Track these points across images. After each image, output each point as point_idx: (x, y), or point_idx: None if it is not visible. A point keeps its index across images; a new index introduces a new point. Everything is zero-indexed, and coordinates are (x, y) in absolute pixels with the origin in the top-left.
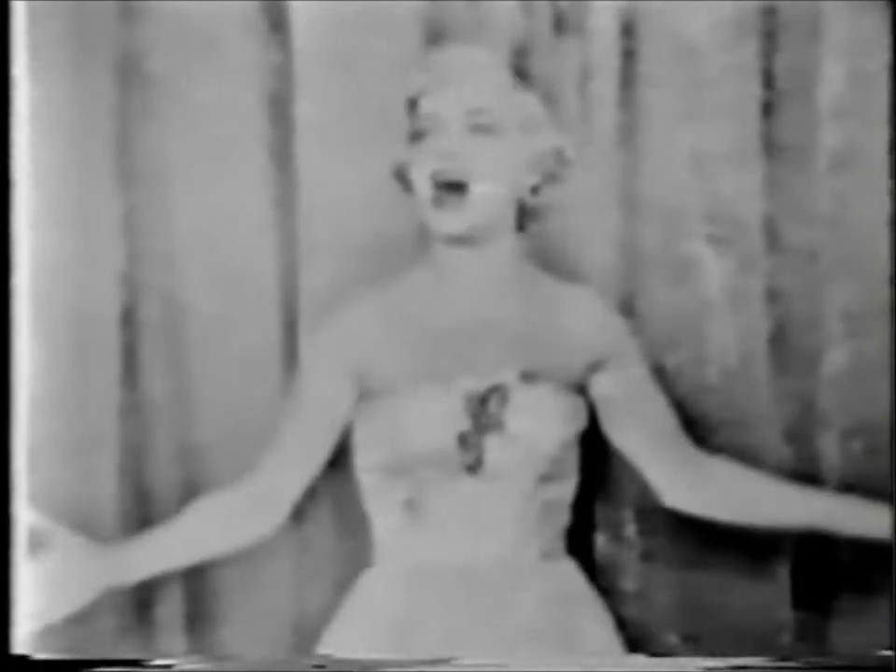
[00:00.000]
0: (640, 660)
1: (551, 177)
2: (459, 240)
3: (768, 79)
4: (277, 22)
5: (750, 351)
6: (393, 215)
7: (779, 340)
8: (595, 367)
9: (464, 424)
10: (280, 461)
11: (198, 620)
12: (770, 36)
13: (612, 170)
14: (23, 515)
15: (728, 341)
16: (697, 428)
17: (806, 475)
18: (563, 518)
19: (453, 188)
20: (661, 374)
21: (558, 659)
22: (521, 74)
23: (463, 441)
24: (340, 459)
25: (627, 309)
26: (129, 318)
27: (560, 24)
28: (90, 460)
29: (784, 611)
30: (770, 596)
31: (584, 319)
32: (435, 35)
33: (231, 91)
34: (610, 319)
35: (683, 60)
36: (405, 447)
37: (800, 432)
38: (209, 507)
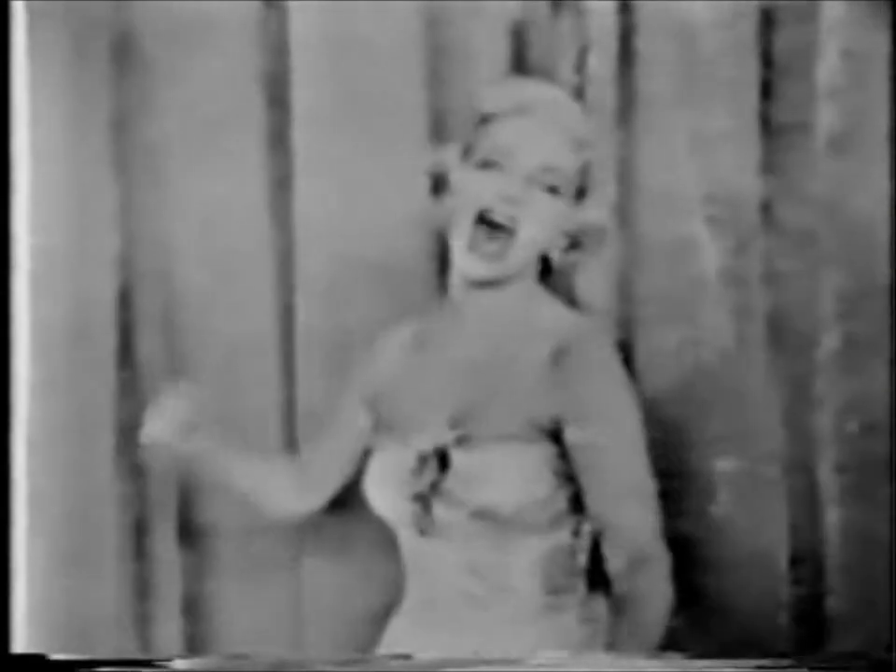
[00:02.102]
0: (639, 661)
1: (584, 248)
2: (485, 284)
3: (766, 59)
4: (274, 5)
5: (746, 332)
6: (390, 198)
7: (775, 321)
8: (569, 415)
9: (414, 485)
10: (326, 451)
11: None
12: (768, 15)
13: (610, 149)
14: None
15: (724, 322)
16: (694, 410)
17: (801, 456)
18: (570, 561)
19: (495, 229)
20: (657, 355)
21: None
22: (518, 53)
23: (414, 504)
24: None
25: (624, 289)
26: (125, 301)
27: (557, 3)
28: (87, 441)
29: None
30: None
31: (572, 365)
32: (432, 17)
33: (227, 75)
34: (596, 363)
35: (681, 39)
36: (373, 506)
37: (795, 413)
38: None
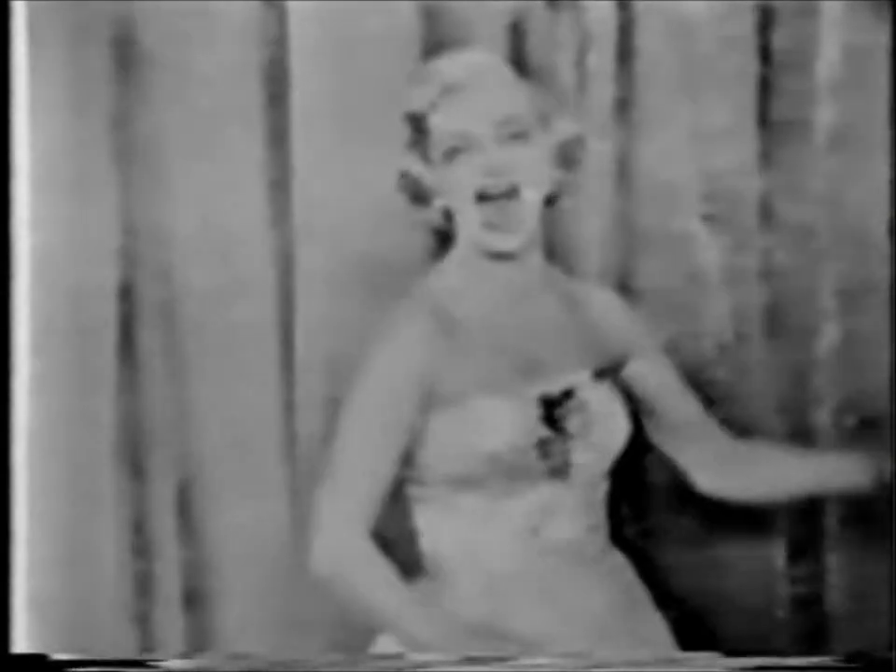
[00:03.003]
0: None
1: (571, 165)
2: (510, 256)
3: (765, 54)
4: (273, 2)
5: (745, 327)
6: (389, 194)
7: (774, 316)
8: (628, 358)
9: (542, 430)
10: (350, 482)
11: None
12: (767, 11)
13: (608, 144)
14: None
15: (723, 317)
16: None
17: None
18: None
19: (501, 199)
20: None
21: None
22: (517, 49)
23: (545, 447)
24: None
25: (623, 285)
26: (126, 294)
27: None
28: (86, 435)
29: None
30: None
31: (610, 317)
32: (431, 12)
33: (227, 71)
34: (631, 316)
35: (679, 34)
36: (480, 459)
37: (794, 407)
38: None
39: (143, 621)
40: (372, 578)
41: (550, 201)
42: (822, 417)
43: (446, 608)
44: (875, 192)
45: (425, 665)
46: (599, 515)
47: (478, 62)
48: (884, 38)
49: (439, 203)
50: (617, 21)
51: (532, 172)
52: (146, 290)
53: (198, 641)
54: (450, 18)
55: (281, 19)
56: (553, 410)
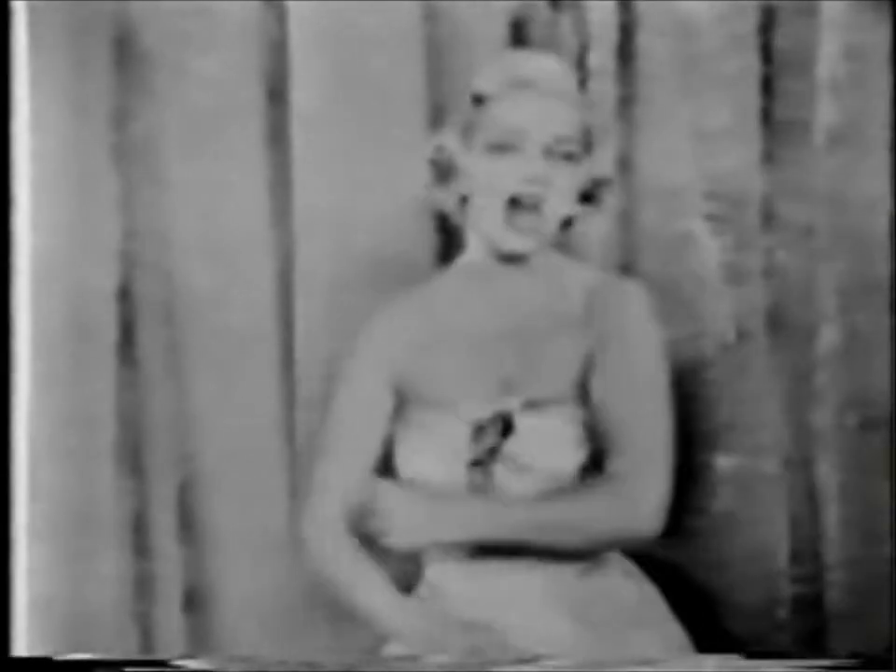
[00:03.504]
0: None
1: (594, 200)
2: (515, 257)
3: (766, 55)
4: (273, 2)
5: (747, 327)
6: (389, 191)
7: (776, 316)
8: (591, 365)
9: (473, 453)
10: (335, 472)
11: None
12: (768, 11)
13: (610, 144)
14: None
15: (725, 317)
16: (694, 404)
17: (801, 451)
18: None
19: (527, 207)
20: None
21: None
22: (518, 49)
23: (472, 472)
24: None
25: None
26: (126, 296)
27: None
28: (87, 435)
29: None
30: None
31: (593, 303)
32: (432, 13)
33: (227, 67)
34: (621, 307)
35: (681, 33)
36: (417, 477)
37: (795, 408)
38: None
39: (143, 620)
40: (356, 569)
41: (565, 223)
42: (824, 417)
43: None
44: (877, 192)
45: (435, 666)
46: None
47: (554, 69)
48: (884, 38)
49: (459, 188)
50: (618, 21)
51: (565, 191)
52: (146, 290)
53: (198, 641)
54: (451, 18)
55: (281, 18)
56: (483, 432)
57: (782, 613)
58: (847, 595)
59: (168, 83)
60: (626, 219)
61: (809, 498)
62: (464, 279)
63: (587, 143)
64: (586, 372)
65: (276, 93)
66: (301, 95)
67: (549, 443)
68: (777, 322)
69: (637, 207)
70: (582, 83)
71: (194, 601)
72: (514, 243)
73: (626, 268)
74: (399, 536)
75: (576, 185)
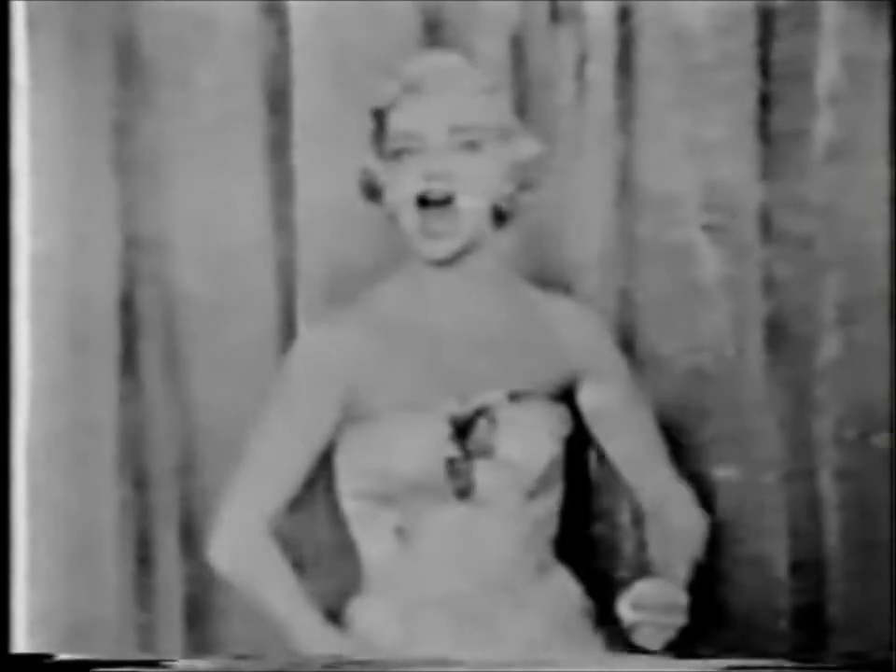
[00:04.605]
0: (641, 660)
1: (528, 185)
2: (445, 261)
3: (765, 67)
4: (274, 10)
5: (745, 339)
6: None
7: (774, 328)
8: (581, 376)
9: (451, 449)
10: (255, 479)
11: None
12: (767, 23)
13: (608, 157)
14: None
15: (723, 329)
16: (692, 417)
17: (801, 463)
18: (552, 528)
19: (438, 205)
20: (656, 362)
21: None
22: (518, 61)
23: (451, 466)
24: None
25: (622, 296)
26: (127, 306)
27: (556, 11)
28: (88, 446)
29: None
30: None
31: (568, 333)
32: (432, 25)
33: (228, 78)
34: (594, 329)
35: (679, 46)
36: (392, 475)
37: (795, 420)
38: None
39: (144, 632)
40: (267, 576)
41: (500, 216)
42: (824, 429)
43: (362, 627)
44: (876, 203)
45: (433, 665)
46: (529, 539)
47: (445, 64)
48: (884, 49)
49: (387, 203)
50: (617, 33)
51: (476, 182)
52: (147, 300)
53: (200, 650)
54: (451, 29)
55: (282, 29)
56: (463, 429)
57: (782, 624)
58: (849, 606)
59: (169, 94)
60: (624, 230)
61: (810, 510)
62: (410, 285)
63: (503, 129)
64: (565, 378)
65: (277, 104)
66: (302, 105)
67: (527, 437)
68: (775, 334)
69: (635, 219)
70: (581, 95)
71: (195, 613)
72: (430, 248)
73: (624, 279)
74: None
75: (494, 174)
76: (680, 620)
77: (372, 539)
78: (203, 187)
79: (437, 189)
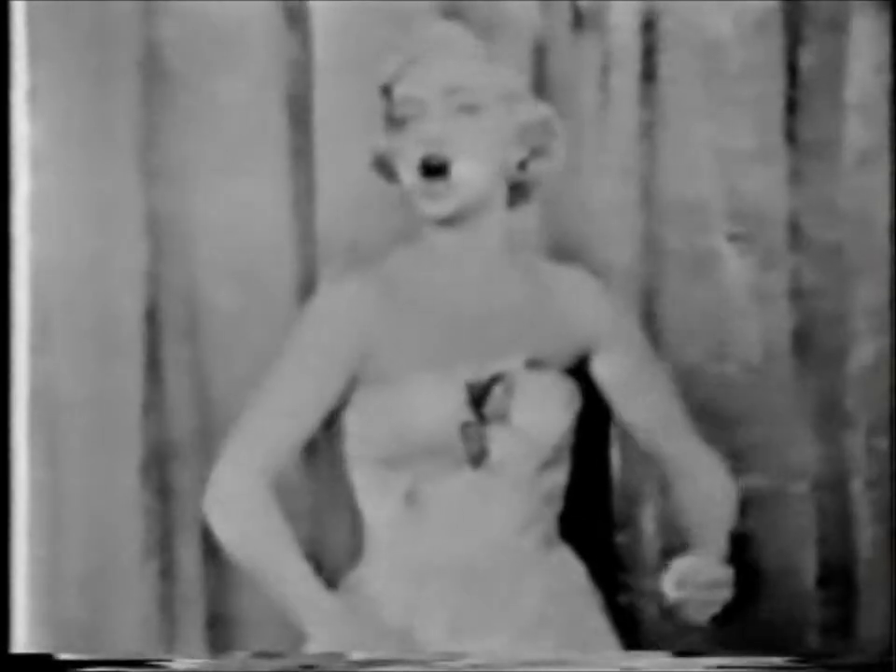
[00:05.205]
0: (657, 658)
1: (539, 151)
2: (447, 222)
3: (792, 74)
4: (297, 20)
5: (774, 348)
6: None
7: (803, 337)
8: (594, 347)
9: (466, 414)
10: (261, 424)
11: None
12: (794, 31)
13: (633, 166)
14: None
15: (751, 338)
16: (720, 426)
17: (831, 473)
18: (559, 504)
19: (437, 171)
20: (683, 371)
21: (564, 655)
22: (541, 71)
23: (466, 431)
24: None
25: (649, 306)
26: (152, 315)
27: (579, 21)
28: (113, 456)
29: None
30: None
31: (580, 303)
32: None
33: (251, 89)
34: (606, 304)
35: (705, 55)
36: (406, 438)
37: (825, 430)
38: None
39: (165, 642)
40: (261, 527)
41: (517, 187)
42: (855, 439)
43: (367, 593)
44: None
45: (451, 661)
46: (537, 511)
47: (443, 33)
48: None
49: (399, 177)
50: (641, 43)
51: (475, 145)
52: (171, 311)
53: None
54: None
55: (305, 45)
56: (479, 395)
57: (811, 636)
58: (879, 618)
59: (193, 104)
60: (650, 240)
61: (839, 520)
62: (424, 253)
63: (508, 93)
64: (578, 349)
65: (300, 115)
66: (325, 117)
67: (543, 406)
68: (804, 343)
69: (662, 228)
70: (605, 105)
71: (217, 623)
72: (429, 207)
73: (650, 288)
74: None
75: (494, 138)
76: (726, 594)
77: (380, 505)
78: (225, 196)
79: (434, 154)
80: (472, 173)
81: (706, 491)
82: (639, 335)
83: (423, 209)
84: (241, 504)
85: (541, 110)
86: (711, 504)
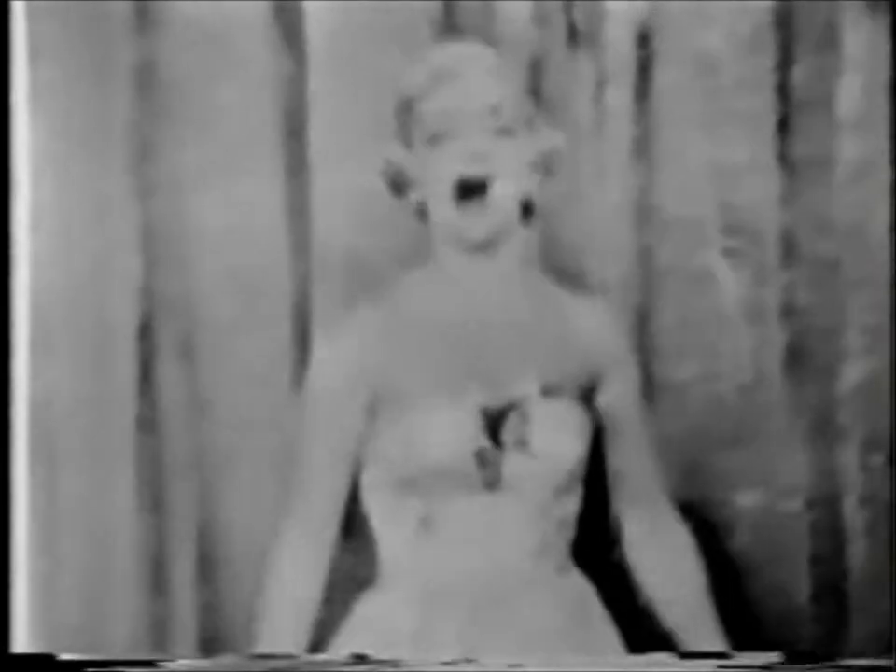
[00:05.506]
0: (655, 657)
1: (550, 174)
2: (479, 245)
3: (784, 90)
4: (292, 31)
5: (766, 364)
6: (407, 224)
7: (796, 353)
8: (598, 377)
9: (482, 440)
10: (315, 490)
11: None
12: (786, 48)
13: (627, 182)
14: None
15: (744, 354)
16: (712, 443)
17: (824, 490)
18: (571, 530)
19: (475, 190)
20: (676, 388)
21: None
22: (536, 86)
23: (481, 457)
24: None
25: (642, 321)
26: (145, 329)
27: (574, 36)
28: (107, 472)
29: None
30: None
31: (593, 333)
32: None
33: (246, 100)
34: (615, 331)
35: (699, 71)
36: (421, 464)
37: (817, 446)
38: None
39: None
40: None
41: (526, 208)
42: (849, 456)
43: (379, 616)
44: None
45: (449, 666)
46: (551, 536)
47: (472, 52)
48: None
49: (416, 195)
50: (636, 59)
51: (511, 167)
52: (165, 325)
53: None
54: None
55: (298, 50)
56: (494, 421)
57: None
58: (871, 636)
59: (188, 115)
60: (644, 256)
61: (833, 538)
62: (436, 275)
63: (527, 118)
64: (588, 377)
65: (295, 126)
66: (321, 128)
67: (559, 432)
68: (797, 359)
69: (655, 244)
70: (599, 120)
71: (211, 642)
72: (466, 229)
73: (643, 304)
74: None
75: (522, 161)
76: None
77: (395, 530)
78: (220, 207)
79: (475, 171)
80: (507, 195)
81: (675, 561)
82: (636, 377)
83: (459, 231)
84: (300, 552)
85: (559, 137)
86: (688, 575)
